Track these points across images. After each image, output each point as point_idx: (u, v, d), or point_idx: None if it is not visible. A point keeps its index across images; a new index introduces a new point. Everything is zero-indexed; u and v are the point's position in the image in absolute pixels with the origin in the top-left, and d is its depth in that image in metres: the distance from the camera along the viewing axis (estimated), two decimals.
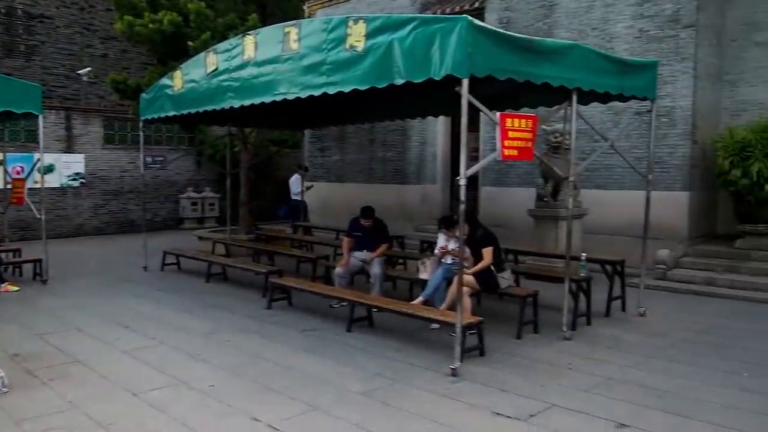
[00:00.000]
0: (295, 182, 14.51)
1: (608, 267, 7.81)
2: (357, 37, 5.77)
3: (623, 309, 7.83)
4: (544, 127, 9.55)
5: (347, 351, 6.14)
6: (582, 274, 7.25)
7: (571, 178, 6.64)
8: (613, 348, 6.32)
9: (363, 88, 5.82)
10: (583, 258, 7.42)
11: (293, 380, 5.30)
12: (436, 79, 5.19)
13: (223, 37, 10.45)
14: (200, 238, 13.30)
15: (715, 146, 9.98)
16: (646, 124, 8.26)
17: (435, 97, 7.86)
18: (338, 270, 8.02)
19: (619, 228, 10.50)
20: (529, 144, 5.63)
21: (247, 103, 7.37)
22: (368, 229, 8.07)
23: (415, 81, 5.37)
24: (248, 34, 7.39)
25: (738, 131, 9.74)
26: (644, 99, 7.34)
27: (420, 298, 6.94)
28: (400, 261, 9.79)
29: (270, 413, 4.57)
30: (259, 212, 16.51)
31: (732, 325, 7.24)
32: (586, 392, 5.03)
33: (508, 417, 4.51)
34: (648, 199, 7.67)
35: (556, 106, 7.06)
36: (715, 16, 10.71)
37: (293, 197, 14.52)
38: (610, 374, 5.46)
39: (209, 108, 8.21)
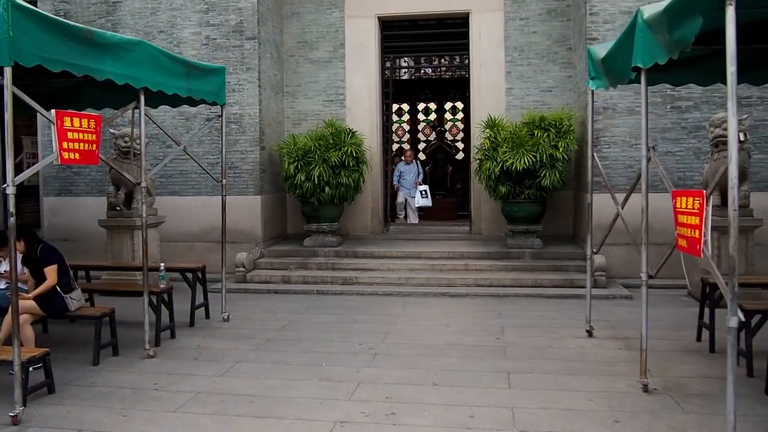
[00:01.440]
0: None
1: (189, 275, 7.60)
2: None
3: (207, 316, 7.72)
4: (112, 131, 8.88)
5: None
6: (162, 285, 6.87)
7: (144, 184, 6.21)
8: (200, 359, 6.12)
9: None
10: (162, 268, 7.07)
11: None
12: None
13: None
14: None
15: (281, 152, 10.66)
16: (217, 131, 8.33)
17: None
18: None
19: (198, 234, 10.47)
20: (94, 147, 5.07)
21: None
22: None
23: None
24: None
25: (300, 138, 10.57)
26: (214, 104, 7.33)
27: None
28: None
29: None
30: None
31: (307, 319, 7.72)
32: (174, 413, 4.69)
33: None
34: (224, 204, 7.71)
35: (123, 108, 6.55)
36: (274, 32, 11.45)
37: None
38: (199, 388, 5.22)
39: None
